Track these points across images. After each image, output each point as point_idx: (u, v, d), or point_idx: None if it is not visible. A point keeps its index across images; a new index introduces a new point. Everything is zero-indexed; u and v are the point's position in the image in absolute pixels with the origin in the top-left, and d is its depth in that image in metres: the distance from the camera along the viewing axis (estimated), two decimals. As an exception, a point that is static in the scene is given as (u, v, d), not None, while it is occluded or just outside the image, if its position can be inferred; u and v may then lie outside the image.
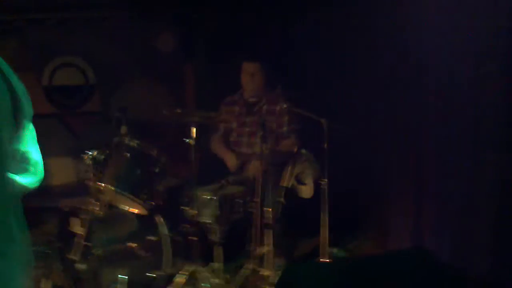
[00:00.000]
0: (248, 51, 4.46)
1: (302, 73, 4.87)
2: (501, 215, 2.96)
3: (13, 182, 1.88)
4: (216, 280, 3.61)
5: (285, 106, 4.03)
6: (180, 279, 3.52)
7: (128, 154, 3.57)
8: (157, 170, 3.62)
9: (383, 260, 3.05)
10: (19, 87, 1.85)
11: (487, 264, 3.01)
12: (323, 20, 4.64)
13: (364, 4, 4.35)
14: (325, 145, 3.71)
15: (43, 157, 2.05)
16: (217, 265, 3.69)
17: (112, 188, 3.49)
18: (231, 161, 4.21)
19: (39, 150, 2.09)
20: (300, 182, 3.86)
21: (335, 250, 4.18)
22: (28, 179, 1.97)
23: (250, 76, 4.21)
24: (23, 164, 1.98)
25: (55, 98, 5.55)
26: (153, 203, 3.62)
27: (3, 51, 5.41)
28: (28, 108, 1.96)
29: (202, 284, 3.54)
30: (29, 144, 2.02)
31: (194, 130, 3.53)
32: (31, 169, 2.00)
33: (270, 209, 3.63)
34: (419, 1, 3.59)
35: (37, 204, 5.25)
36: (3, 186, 1.77)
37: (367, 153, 4.68)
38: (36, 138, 2.05)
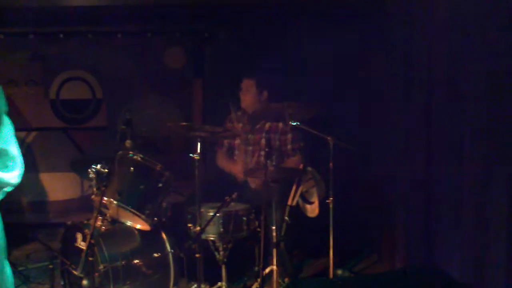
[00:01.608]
0: (245, 67, 4.47)
1: (310, 90, 4.87)
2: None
3: None
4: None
5: (291, 123, 3.99)
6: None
7: (132, 168, 3.54)
8: (160, 185, 3.59)
9: (393, 277, 3.00)
10: None
11: (500, 282, 2.94)
12: (331, 38, 4.65)
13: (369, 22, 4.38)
14: (331, 163, 3.68)
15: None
16: (222, 284, 3.64)
17: (115, 202, 3.46)
18: (238, 169, 4.19)
19: (17, 144, 2.07)
20: (306, 200, 3.81)
21: (339, 272, 4.11)
22: (8, 174, 1.96)
23: (244, 92, 4.23)
24: (2, 159, 1.97)
25: (62, 112, 5.56)
26: (156, 219, 3.59)
27: (13, 64, 5.47)
28: (2, 103, 1.95)
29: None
30: (8, 139, 2.01)
31: (199, 145, 3.50)
32: (11, 164, 1.99)
33: (274, 228, 3.59)
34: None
35: (40, 220, 5.27)
36: None
37: (374, 172, 4.65)
38: (14, 132, 2.04)
